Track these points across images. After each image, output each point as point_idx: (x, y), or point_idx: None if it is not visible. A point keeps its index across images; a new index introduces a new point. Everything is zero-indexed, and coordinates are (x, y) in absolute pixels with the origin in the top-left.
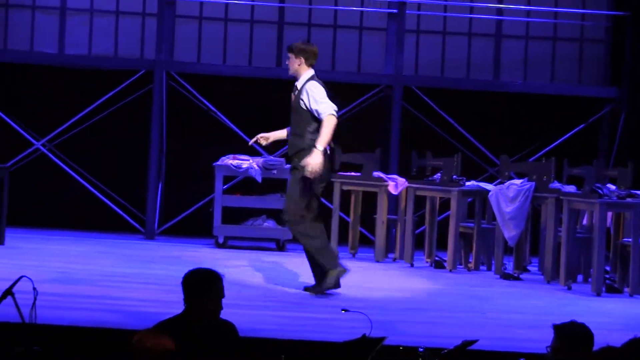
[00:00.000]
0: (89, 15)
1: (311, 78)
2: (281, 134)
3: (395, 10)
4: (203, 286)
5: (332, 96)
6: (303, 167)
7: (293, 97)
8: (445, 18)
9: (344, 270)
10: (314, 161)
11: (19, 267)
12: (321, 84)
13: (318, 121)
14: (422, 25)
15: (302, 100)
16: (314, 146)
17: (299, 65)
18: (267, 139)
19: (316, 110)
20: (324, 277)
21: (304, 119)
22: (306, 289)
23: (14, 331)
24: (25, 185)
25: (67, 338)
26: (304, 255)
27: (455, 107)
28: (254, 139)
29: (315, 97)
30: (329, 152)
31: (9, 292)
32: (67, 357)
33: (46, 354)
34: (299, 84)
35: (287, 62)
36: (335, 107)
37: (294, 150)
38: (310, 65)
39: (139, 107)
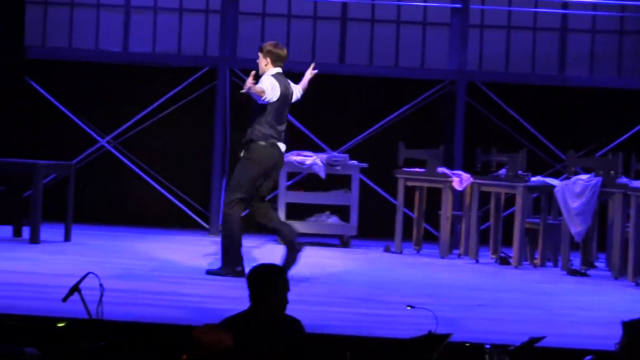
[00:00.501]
0: (152, 13)
1: (271, 75)
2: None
3: (459, 5)
4: (267, 281)
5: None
6: (248, 158)
7: None
8: (509, 12)
9: (238, 273)
10: (255, 85)
11: (85, 263)
12: (277, 81)
13: (265, 116)
14: (486, 20)
15: None
16: (258, 139)
17: (265, 65)
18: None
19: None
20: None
21: (257, 113)
22: (209, 272)
23: (80, 327)
24: (90, 182)
25: (132, 334)
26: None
27: (520, 102)
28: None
29: (260, 82)
30: (279, 148)
31: (76, 288)
32: (132, 353)
33: (112, 350)
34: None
35: (257, 61)
36: (267, 96)
37: (245, 139)
38: (278, 66)
39: (203, 103)
